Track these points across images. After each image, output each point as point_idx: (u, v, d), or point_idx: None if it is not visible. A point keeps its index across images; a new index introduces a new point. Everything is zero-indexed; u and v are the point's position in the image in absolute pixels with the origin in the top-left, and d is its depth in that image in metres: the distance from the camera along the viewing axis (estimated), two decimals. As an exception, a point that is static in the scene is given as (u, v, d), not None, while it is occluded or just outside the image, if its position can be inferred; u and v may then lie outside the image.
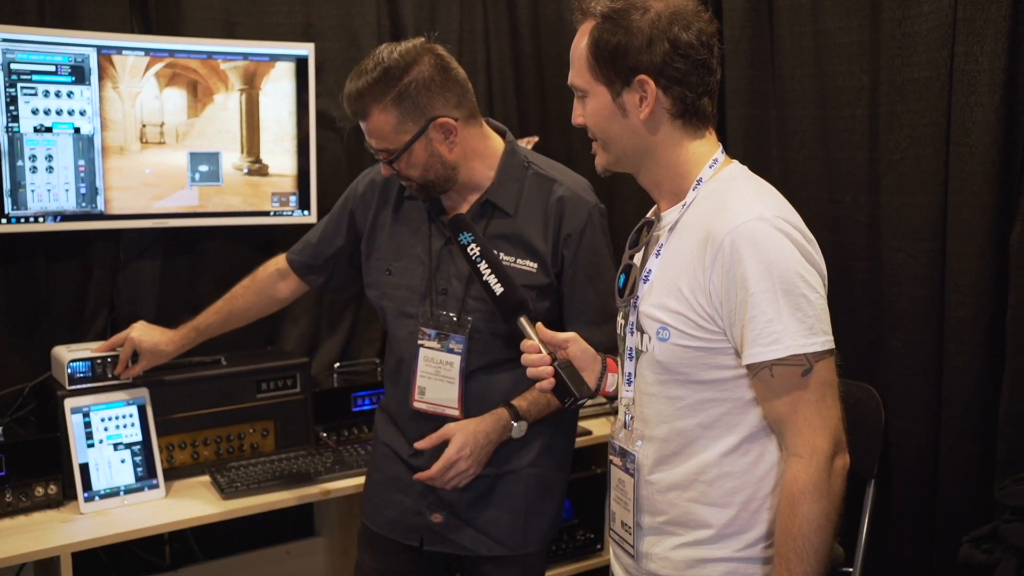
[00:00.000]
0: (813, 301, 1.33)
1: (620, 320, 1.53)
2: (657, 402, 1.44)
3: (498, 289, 1.63)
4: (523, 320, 1.60)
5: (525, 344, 1.57)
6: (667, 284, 1.40)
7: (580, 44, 1.44)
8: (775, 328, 1.31)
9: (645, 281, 1.45)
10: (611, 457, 1.55)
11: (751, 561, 1.41)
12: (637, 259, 1.48)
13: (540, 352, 1.55)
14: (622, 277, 1.51)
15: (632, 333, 1.46)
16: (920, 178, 2.02)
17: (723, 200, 1.38)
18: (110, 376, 2.22)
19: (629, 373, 1.49)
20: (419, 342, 1.88)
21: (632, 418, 1.49)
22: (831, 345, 1.34)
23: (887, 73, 2.08)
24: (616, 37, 1.38)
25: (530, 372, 1.55)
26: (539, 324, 1.59)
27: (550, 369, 1.53)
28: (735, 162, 1.47)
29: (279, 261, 2.13)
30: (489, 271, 1.65)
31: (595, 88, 1.43)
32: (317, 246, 2.07)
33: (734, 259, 1.32)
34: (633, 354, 1.47)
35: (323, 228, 2.07)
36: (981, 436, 1.94)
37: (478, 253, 1.67)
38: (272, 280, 2.13)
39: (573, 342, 1.59)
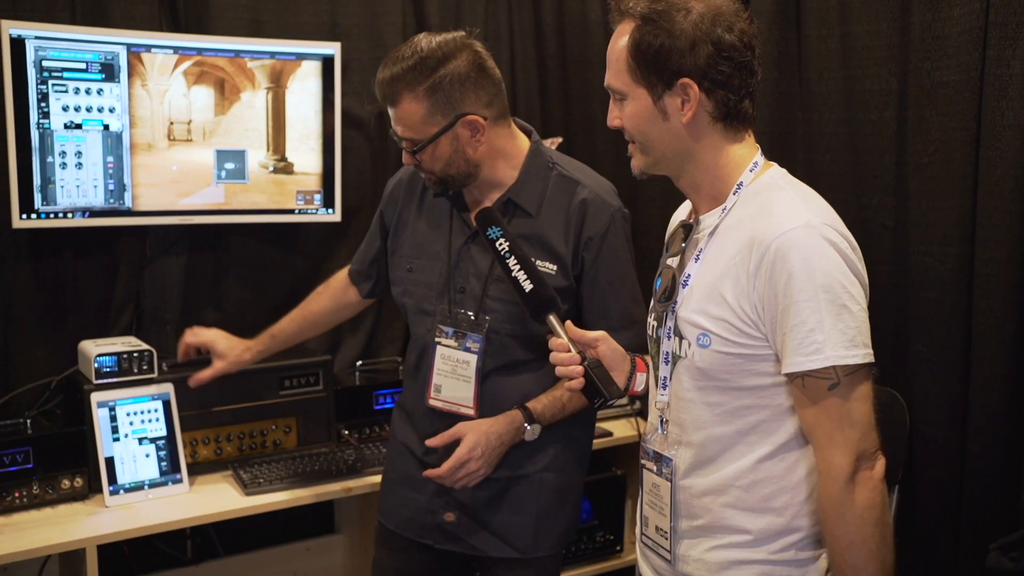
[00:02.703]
0: (855, 313, 1.31)
1: (652, 322, 1.52)
2: (695, 408, 1.42)
3: (527, 286, 1.61)
4: (552, 318, 1.57)
5: (554, 342, 1.55)
6: (708, 289, 1.39)
7: (619, 45, 1.40)
8: (816, 338, 1.29)
9: (684, 286, 1.43)
10: (644, 461, 1.53)
11: (786, 564, 1.41)
12: (674, 263, 1.46)
13: (570, 351, 1.53)
14: (658, 280, 1.50)
15: (669, 337, 1.45)
16: (948, 182, 2.00)
17: (767, 205, 1.37)
18: (136, 371, 2.24)
19: (664, 377, 1.47)
20: (436, 340, 1.88)
21: (667, 422, 1.48)
22: (871, 358, 1.33)
23: (916, 76, 2.06)
24: (659, 39, 1.35)
25: (559, 371, 1.53)
26: (568, 322, 1.57)
27: (580, 369, 1.50)
28: (775, 165, 1.45)
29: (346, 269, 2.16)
30: (518, 267, 1.62)
31: (635, 91, 1.40)
32: (363, 252, 2.09)
33: (779, 266, 1.30)
34: (669, 359, 1.45)
35: (368, 235, 2.09)
36: (1008, 442, 1.92)
37: (507, 248, 1.64)
38: (343, 285, 2.15)
39: (603, 341, 1.57)
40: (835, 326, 1.29)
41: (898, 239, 2.14)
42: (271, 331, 2.15)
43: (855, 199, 2.21)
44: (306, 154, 2.65)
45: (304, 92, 2.62)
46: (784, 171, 1.45)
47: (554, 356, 1.54)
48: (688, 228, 1.47)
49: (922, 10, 2.04)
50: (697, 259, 1.42)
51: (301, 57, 2.60)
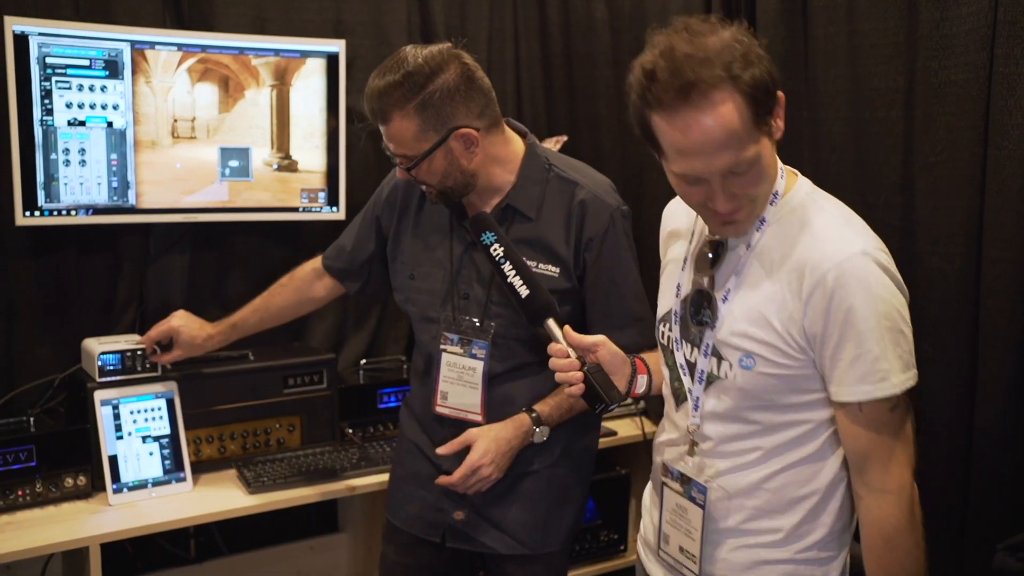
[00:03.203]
0: (908, 336, 1.33)
1: (672, 335, 1.49)
2: (733, 426, 1.42)
3: (523, 291, 1.60)
4: (550, 323, 1.56)
5: (553, 348, 1.53)
6: (750, 310, 1.37)
7: (728, 115, 1.23)
8: (882, 367, 1.30)
9: (724, 301, 1.40)
10: (665, 479, 1.52)
11: (809, 563, 1.42)
12: (705, 281, 1.43)
13: (569, 356, 1.51)
14: (676, 290, 1.47)
15: (706, 357, 1.42)
16: (956, 181, 1.99)
17: (811, 227, 1.35)
18: (140, 369, 2.23)
19: (697, 398, 1.45)
20: (441, 347, 1.87)
21: (696, 444, 1.46)
22: (917, 378, 1.35)
23: (923, 75, 2.05)
24: (762, 76, 1.25)
25: (559, 377, 1.52)
26: (567, 327, 1.56)
27: (580, 375, 1.49)
28: (799, 174, 1.45)
29: (316, 261, 2.14)
30: (514, 272, 1.61)
31: (761, 146, 1.28)
32: (352, 253, 2.07)
33: (838, 295, 1.29)
34: (703, 378, 1.44)
35: (355, 234, 2.07)
36: (1014, 443, 1.91)
37: (502, 254, 1.63)
38: (309, 279, 2.14)
39: (602, 345, 1.55)
40: (895, 352, 1.31)
41: (905, 238, 2.13)
42: (232, 321, 2.16)
43: (861, 198, 2.20)
44: (310, 152, 2.65)
45: (308, 90, 2.62)
46: (810, 182, 1.44)
47: (553, 362, 1.53)
48: (717, 244, 1.42)
49: (930, 8, 2.02)
50: (738, 275, 1.39)
51: (305, 55, 2.60)
